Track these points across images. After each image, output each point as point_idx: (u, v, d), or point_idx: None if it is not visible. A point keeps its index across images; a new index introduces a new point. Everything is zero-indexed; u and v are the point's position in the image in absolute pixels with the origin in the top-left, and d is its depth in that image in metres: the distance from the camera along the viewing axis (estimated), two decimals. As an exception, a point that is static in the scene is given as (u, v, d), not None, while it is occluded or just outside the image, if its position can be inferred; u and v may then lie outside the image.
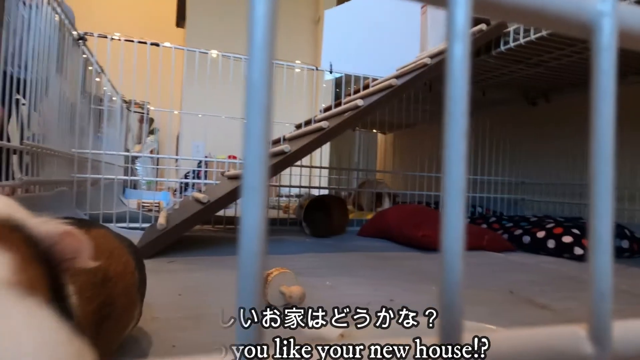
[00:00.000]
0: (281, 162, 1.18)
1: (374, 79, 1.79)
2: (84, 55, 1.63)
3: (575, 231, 1.31)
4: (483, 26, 1.40)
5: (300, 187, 1.89)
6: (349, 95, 1.76)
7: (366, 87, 1.69)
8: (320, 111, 1.82)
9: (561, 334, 0.11)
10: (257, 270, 0.08)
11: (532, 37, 1.30)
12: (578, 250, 1.26)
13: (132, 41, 1.50)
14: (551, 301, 0.78)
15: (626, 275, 1.05)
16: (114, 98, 2.17)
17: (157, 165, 2.41)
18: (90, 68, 1.72)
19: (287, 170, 1.73)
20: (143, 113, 2.29)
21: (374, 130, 2.87)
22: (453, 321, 0.09)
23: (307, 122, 1.68)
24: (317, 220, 1.50)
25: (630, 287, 0.92)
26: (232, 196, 1.14)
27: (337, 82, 2.22)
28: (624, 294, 0.86)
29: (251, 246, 0.08)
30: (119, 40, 1.50)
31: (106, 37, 1.49)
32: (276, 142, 1.70)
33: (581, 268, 1.13)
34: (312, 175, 1.99)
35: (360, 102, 1.27)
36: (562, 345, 0.11)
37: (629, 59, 1.40)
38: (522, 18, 0.11)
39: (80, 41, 1.52)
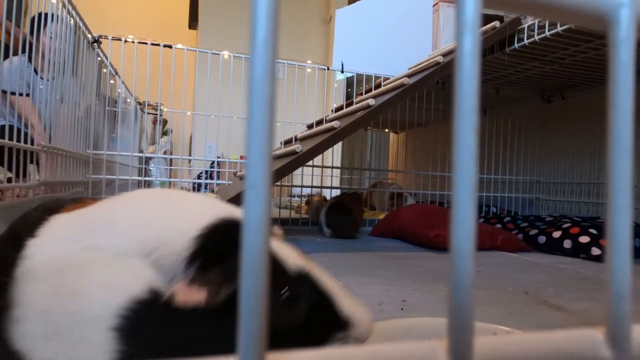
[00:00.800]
0: (293, 162, 1.18)
1: (386, 78, 1.78)
2: (99, 58, 1.65)
3: (593, 231, 1.28)
4: (496, 23, 1.38)
5: (312, 187, 1.89)
6: (361, 94, 1.75)
7: (378, 86, 1.68)
8: (332, 111, 1.81)
9: (578, 338, 0.11)
10: (261, 273, 0.08)
11: (547, 33, 1.28)
12: (595, 251, 1.23)
13: (146, 43, 1.52)
14: (567, 302, 0.76)
15: (645, 276, 1.03)
16: (128, 100, 2.20)
17: (170, 165, 2.43)
18: (104, 70, 1.74)
19: (299, 170, 1.73)
20: (157, 114, 2.32)
21: (386, 130, 2.85)
22: (463, 323, 0.09)
23: (319, 122, 1.68)
24: (342, 223, 1.49)
25: (650, 288, 0.90)
26: (241, 197, 1.15)
27: (349, 82, 2.22)
28: (643, 296, 0.84)
29: (255, 247, 0.08)
30: (133, 42, 1.51)
31: (120, 39, 1.51)
32: (288, 142, 1.70)
33: (598, 269, 1.11)
34: (324, 175, 1.99)
35: (372, 102, 1.26)
36: (579, 349, 0.10)
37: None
38: (536, 11, 0.10)
39: (94, 44, 1.55)
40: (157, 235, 0.29)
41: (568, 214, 1.74)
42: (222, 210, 0.32)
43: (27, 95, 1.38)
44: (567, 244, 1.30)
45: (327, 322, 0.32)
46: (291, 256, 0.31)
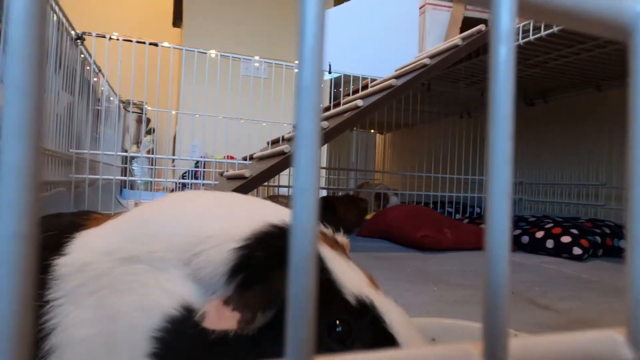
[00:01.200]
0: (281, 162, 1.18)
1: (373, 79, 1.79)
2: (82, 55, 1.62)
3: (574, 231, 1.31)
4: (482, 27, 1.41)
5: (299, 187, 1.89)
6: (348, 95, 1.76)
7: (365, 87, 1.69)
8: (319, 111, 1.81)
9: (598, 339, 0.11)
10: (310, 279, 0.08)
11: (531, 38, 1.31)
12: (577, 250, 1.26)
13: (131, 41, 1.49)
14: (552, 301, 0.78)
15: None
16: (111, 98, 2.16)
17: (155, 165, 2.40)
18: (88, 68, 1.71)
19: (286, 171, 1.73)
20: (141, 113, 2.28)
21: (372, 131, 2.87)
22: (498, 326, 0.09)
23: (306, 123, 1.68)
24: (322, 220, 1.50)
25: (629, 286, 0.93)
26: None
27: (336, 83, 2.22)
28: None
29: (303, 251, 0.08)
30: (117, 40, 1.49)
31: (104, 36, 1.49)
32: (275, 142, 1.70)
33: (580, 268, 1.14)
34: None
35: (360, 102, 1.27)
36: (599, 351, 0.11)
37: None
38: (561, 20, 0.10)
39: (78, 41, 1.52)
40: (197, 243, 0.27)
41: (550, 215, 1.78)
42: (273, 214, 0.29)
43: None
44: (550, 243, 1.33)
45: None
46: (354, 279, 0.27)
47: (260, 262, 0.25)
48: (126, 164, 2.33)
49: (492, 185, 0.10)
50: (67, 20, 1.41)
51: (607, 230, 1.37)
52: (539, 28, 1.27)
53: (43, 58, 0.07)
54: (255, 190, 1.74)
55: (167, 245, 0.27)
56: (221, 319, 0.23)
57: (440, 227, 1.37)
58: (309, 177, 0.08)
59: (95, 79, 1.87)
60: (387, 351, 0.09)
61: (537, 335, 0.11)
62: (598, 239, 1.32)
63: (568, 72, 1.61)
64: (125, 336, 0.26)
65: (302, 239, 0.08)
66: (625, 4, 0.10)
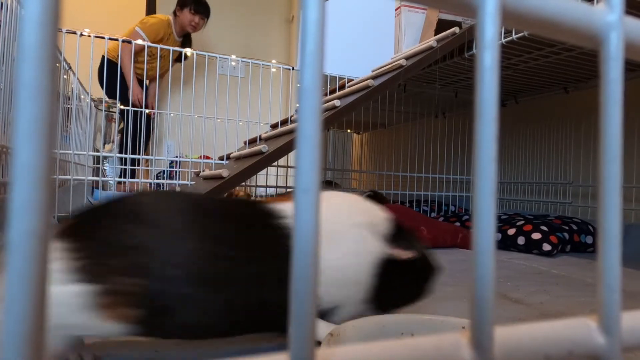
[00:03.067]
0: (259, 162, 1.18)
1: (349, 80, 1.80)
2: (51, 52, 1.56)
3: (544, 228, 1.36)
4: (456, 29, 1.44)
5: (277, 187, 1.88)
6: (325, 95, 1.77)
7: (342, 87, 1.70)
8: (296, 111, 1.82)
9: (573, 326, 0.12)
10: (311, 278, 0.08)
11: (503, 41, 1.35)
12: (546, 247, 1.31)
13: (103, 37, 1.46)
14: (524, 296, 0.81)
15: (591, 269, 1.11)
16: (82, 96, 2.10)
17: (127, 165, 2.34)
18: (57, 65, 1.65)
19: (263, 171, 1.72)
20: (113, 112, 2.23)
21: (349, 130, 2.89)
22: (485, 316, 0.10)
23: (283, 122, 1.68)
24: None
25: (595, 280, 0.97)
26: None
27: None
28: (590, 287, 0.91)
29: (305, 251, 0.08)
30: (89, 36, 1.45)
31: (75, 33, 1.45)
32: (252, 141, 1.69)
33: (550, 263, 1.18)
34: (288, 175, 1.99)
35: (337, 102, 1.28)
36: (574, 336, 0.12)
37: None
38: (540, 28, 0.11)
39: (47, 37, 1.46)
40: (373, 216, 0.51)
41: (521, 212, 1.83)
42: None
43: None
44: (521, 240, 1.38)
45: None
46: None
47: (400, 227, 0.53)
48: (98, 163, 2.27)
49: (479, 185, 0.10)
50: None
51: (574, 227, 1.43)
52: (511, 32, 1.31)
53: (55, 61, 0.07)
54: (233, 189, 1.72)
55: (363, 219, 0.50)
56: (405, 254, 0.50)
57: (416, 225, 1.40)
58: (310, 177, 0.08)
59: (65, 77, 1.82)
60: (380, 342, 0.10)
61: (519, 325, 0.11)
62: (566, 235, 1.38)
63: (538, 74, 1.67)
64: (363, 263, 0.48)
65: (305, 240, 0.08)
66: (597, 15, 0.11)
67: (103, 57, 2.22)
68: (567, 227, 1.41)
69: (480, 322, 0.10)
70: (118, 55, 1.74)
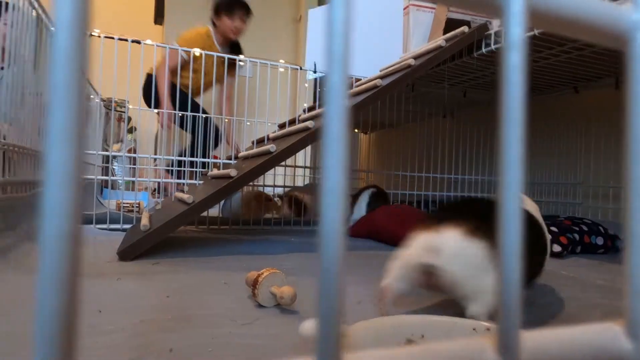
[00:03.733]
0: (267, 161, 1.18)
1: (358, 79, 1.80)
2: (61, 52, 1.58)
3: (554, 229, 1.35)
4: (465, 28, 1.43)
5: (284, 186, 1.89)
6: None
7: (350, 87, 1.70)
8: (304, 111, 1.82)
9: (598, 331, 0.12)
10: (339, 277, 0.08)
11: (513, 39, 1.34)
12: (556, 248, 1.29)
13: (113, 38, 1.47)
14: (533, 296, 0.80)
15: (602, 271, 1.09)
16: (92, 96, 2.12)
17: (136, 164, 2.36)
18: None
19: (271, 170, 1.73)
20: (122, 112, 2.24)
21: (356, 130, 2.88)
22: (511, 320, 0.10)
23: (291, 122, 1.68)
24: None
25: (606, 281, 0.96)
26: (217, 196, 1.13)
27: (321, 82, 2.22)
28: (601, 289, 0.90)
29: (332, 251, 0.08)
30: (99, 37, 1.46)
31: (85, 33, 1.46)
32: (260, 141, 1.69)
33: (559, 265, 1.17)
34: (296, 175, 1.99)
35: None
36: (600, 342, 0.11)
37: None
38: (565, 28, 0.11)
39: (57, 37, 1.48)
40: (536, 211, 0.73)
41: (530, 213, 1.82)
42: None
43: None
44: (530, 241, 1.37)
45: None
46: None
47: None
48: (107, 163, 2.29)
49: (505, 187, 0.10)
50: (47, 15, 1.38)
51: (585, 228, 1.41)
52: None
53: (86, 65, 0.07)
54: (241, 189, 1.73)
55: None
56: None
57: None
58: (336, 177, 0.08)
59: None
60: (405, 348, 0.09)
61: (544, 329, 0.11)
62: (576, 236, 1.36)
63: (548, 73, 1.66)
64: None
65: (332, 239, 0.08)
66: (623, 14, 0.11)
67: (149, 74, 2.13)
68: (577, 228, 1.40)
69: (507, 327, 0.10)
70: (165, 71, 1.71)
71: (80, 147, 0.07)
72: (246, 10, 2.16)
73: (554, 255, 1.29)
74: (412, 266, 0.60)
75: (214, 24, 2.31)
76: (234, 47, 2.37)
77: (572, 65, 1.53)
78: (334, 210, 0.08)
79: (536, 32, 1.25)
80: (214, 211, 1.60)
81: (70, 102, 0.07)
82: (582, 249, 1.37)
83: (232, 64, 1.93)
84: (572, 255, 1.34)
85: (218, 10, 2.27)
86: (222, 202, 1.74)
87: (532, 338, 0.10)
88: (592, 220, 1.50)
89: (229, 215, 1.71)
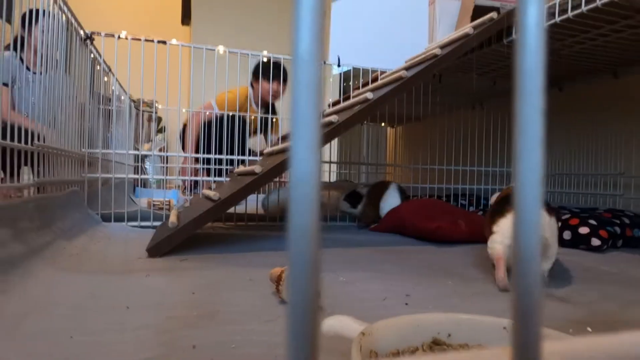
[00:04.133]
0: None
1: (382, 72, 1.77)
2: (92, 55, 1.63)
3: (592, 222, 1.28)
4: (494, 14, 1.37)
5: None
6: (357, 88, 1.74)
7: (375, 80, 1.67)
8: (329, 105, 1.80)
9: (637, 341, 0.10)
10: (312, 279, 0.07)
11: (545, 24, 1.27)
12: (595, 242, 1.23)
13: (139, 39, 1.50)
14: (571, 294, 0.76)
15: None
16: (122, 97, 2.18)
17: (166, 163, 2.41)
18: (97, 68, 1.72)
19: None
20: (151, 112, 2.29)
21: (382, 124, 2.84)
22: (531, 329, 0.08)
23: (316, 117, 1.66)
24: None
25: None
26: (243, 193, 1.14)
27: (345, 76, 2.20)
28: (646, 286, 0.84)
29: (301, 247, 0.07)
30: (126, 39, 1.49)
31: (113, 35, 1.49)
32: (285, 137, 1.69)
33: (599, 259, 1.11)
34: (323, 170, 1.98)
35: (370, 95, 1.25)
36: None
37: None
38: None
39: (87, 40, 1.52)
40: None
41: (566, 206, 1.74)
42: None
43: (5, 85, 1.36)
44: (567, 235, 1.30)
45: None
46: None
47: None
48: (138, 162, 2.35)
49: (521, 171, 0.09)
50: (76, 20, 1.42)
51: (627, 221, 1.34)
52: (553, 14, 1.24)
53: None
54: (267, 185, 1.73)
55: None
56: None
57: (454, 219, 1.35)
58: (307, 166, 0.07)
59: (105, 79, 1.88)
60: (419, 357, 0.08)
61: (572, 339, 0.10)
62: (617, 229, 1.29)
63: (583, 59, 1.57)
64: None
65: (301, 237, 0.07)
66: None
67: (184, 125, 2.34)
68: (618, 221, 1.32)
69: (526, 336, 0.08)
70: (224, 107, 1.80)
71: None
72: (284, 76, 2.23)
73: (593, 249, 1.23)
74: None
75: (252, 86, 2.44)
76: (272, 108, 2.49)
77: (610, 49, 1.44)
78: (305, 205, 0.07)
79: (570, 14, 1.19)
80: (241, 208, 1.61)
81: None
82: (623, 243, 1.30)
83: (267, 122, 2.10)
84: (612, 249, 1.27)
85: (257, 74, 2.40)
86: (262, 198, 1.76)
87: (556, 350, 0.09)
88: (634, 213, 1.42)
89: (267, 211, 1.72)
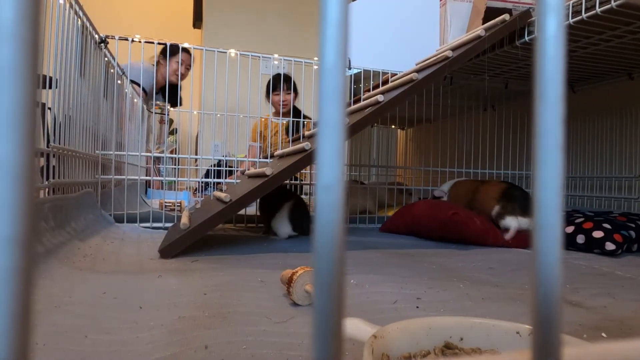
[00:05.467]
0: (301, 160, 1.18)
1: (393, 74, 1.76)
2: (106, 58, 1.65)
3: (607, 226, 1.26)
4: (506, 16, 1.37)
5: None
6: (368, 91, 1.74)
7: (385, 82, 1.67)
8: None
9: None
10: (338, 281, 0.07)
11: (558, 26, 1.26)
12: (609, 246, 1.21)
13: (152, 42, 1.51)
14: (585, 299, 0.75)
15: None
16: (135, 100, 2.20)
17: (178, 165, 2.43)
18: (112, 71, 1.74)
19: (307, 168, 1.73)
20: (164, 114, 2.31)
21: (393, 126, 2.83)
22: (551, 336, 0.08)
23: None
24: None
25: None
26: (254, 195, 1.14)
27: (355, 78, 2.20)
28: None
29: (327, 250, 0.07)
30: (139, 42, 1.51)
31: (127, 39, 1.51)
32: (296, 139, 1.69)
33: (614, 264, 1.10)
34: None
35: (380, 98, 1.25)
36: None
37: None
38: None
39: (102, 44, 1.55)
40: None
41: (580, 209, 1.72)
42: None
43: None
44: (580, 239, 1.29)
45: None
46: None
47: None
48: (151, 164, 2.37)
49: (540, 177, 0.09)
50: (91, 24, 1.44)
51: (642, 225, 1.32)
52: (567, 15, 1.23)
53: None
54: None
55: None
56: None
57: (470, 217, 1.35)
58: (333, 173, 0.07)
59: (119, 82, 1.91)
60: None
61: (586, 344, 0.10)
62: (632, 233, 1.27)
63: (598, 61, 1.55)
64: None
65: (326, 240, 0.07)
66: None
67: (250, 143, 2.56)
68: (633, 225, 1.30)
69: (546, 342, 0.08)
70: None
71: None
72: (287, 84, 2.40)
73: (607, 253, 1.21)
74: None
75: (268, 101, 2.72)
76: (297, 112, 2.64)
77: (626, 50, 1.42)
78: (331, 210, 0.07)
79: (584, 16, 1.17)
80: (252, 210, 1.61)
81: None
82: (638, 247, 1.28)
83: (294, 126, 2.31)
84: (627, 253, 1.25)
85: (267, 93, 2.66)
86: None
87: (577, 355, 0.09)
88: (650, 216, 1.40)
89: None
